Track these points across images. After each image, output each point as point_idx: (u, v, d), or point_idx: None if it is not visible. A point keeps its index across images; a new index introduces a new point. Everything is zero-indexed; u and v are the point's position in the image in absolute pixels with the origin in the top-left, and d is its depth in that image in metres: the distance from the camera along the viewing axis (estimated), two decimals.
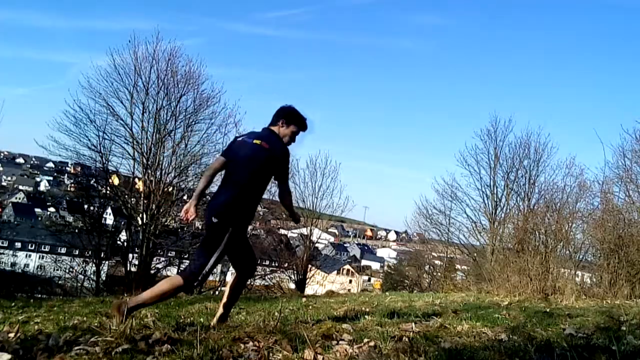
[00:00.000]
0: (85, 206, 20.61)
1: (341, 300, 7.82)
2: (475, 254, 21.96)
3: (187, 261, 20.98)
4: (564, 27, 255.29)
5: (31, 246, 53.05)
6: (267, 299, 9.00)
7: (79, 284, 18.63)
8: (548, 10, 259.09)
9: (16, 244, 49.34)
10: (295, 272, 25.50)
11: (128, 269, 18.15)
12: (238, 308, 5.89)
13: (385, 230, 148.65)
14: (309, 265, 26.56)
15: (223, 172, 3.70)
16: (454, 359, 2.40)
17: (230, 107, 19.28)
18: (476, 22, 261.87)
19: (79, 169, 26.13)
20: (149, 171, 18.00)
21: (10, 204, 78.16)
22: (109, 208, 22.99)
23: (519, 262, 9.86)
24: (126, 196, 19.04)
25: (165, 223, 19.38)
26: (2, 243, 41.77)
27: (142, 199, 18.03)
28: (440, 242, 25.74)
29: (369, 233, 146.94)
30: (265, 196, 21.78)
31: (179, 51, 18.26)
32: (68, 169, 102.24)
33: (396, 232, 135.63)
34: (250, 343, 2.67)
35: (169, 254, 21.13)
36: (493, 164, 21.21)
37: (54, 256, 23.41)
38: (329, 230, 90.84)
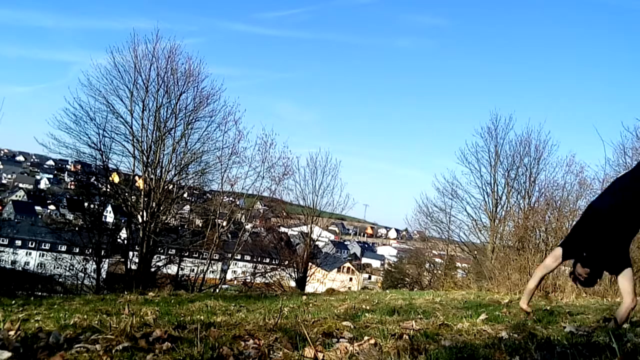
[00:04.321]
0: (86, 204, 20.61)
1: (342, 298, 7.84)
2: (475, 252, 21.99)
3: (188, 259, 21.02)
4: (563, 24, 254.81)
5: (31, 244, 53.07)
6: (268, 296, 9.01)
7: (80, 282, 18.63)
8: (547, 7, 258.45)
9: (16, 241, 49.30)
10: (295, 270, 25.53)
11: (128, 266, 18.17)
12: (238, 306, 5.90)
13: (386, 228, 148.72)
14: (310, 263, 26.58)
15: None
16: (455, 356, 2.40)
17: (230, 105, 19.34)
18: (474, 22, 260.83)
19: (79, 166, 26.18)
20: (149, 169, 18.01)
21: (11, 202, 78.26)
22: (109, 206, 23.01)
23: (519, 260, 9.88)
24: (126, 194, 19.05)
25: (166, 221, 19.39)
26: (3, 241, 41.76)
27: (142, 196, 18.03)
28: (441, 240, 25.78)
29: (369, 231, 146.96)
30: (265, 194, 21.28)
31: (179, 49, 18.28)
32: (68, 166, 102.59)
33: (397, 230, 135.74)
34: (251, 341, 2.67)
35: (169, 252, 21.13)
36: (493, 161, 21.24)
37: (55, 254, 23.38)
38: (330, 228, 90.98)
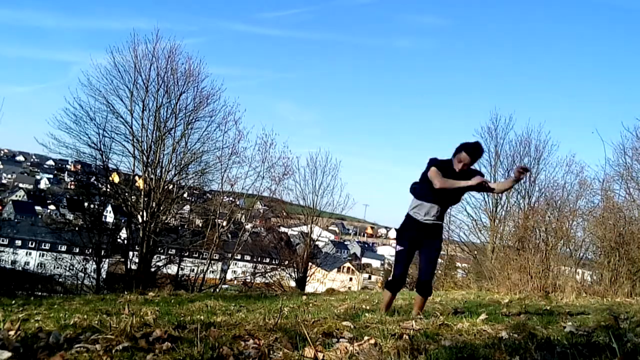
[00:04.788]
0: (86, 204, 20.63)
1: (342, 298, 7.84)
2: (475, 252, 21.96)
3: (188, 259, 21.03)
4: (564, 23, 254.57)
5: (31, 244, 53.08)
6: (268, 296, 9.02)
7: (80, 282, 18.65)
8: (548, 5, 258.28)
9: (16, 241, 49.31)
10: (295, 270, 25.52)
11: (128, 266, 18.18)
12: (238, 306, 5.90)
13: (386, 228, 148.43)
14: (310, 263, 26.57)
15: None
16: (455, 356, 2.40)
17: (230, 105, 19.36)
18: (474, 21, 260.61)
19: (79, 166, 26.15)
20: (149, 169, 18.02)
21: (11, 202, 78.30)
22: (109, 206, 23.03)
23: (519, 260, 9.88)
24: (126, 194, 19.05)
25: (166, 221, 19.40)
26: (3, 241, 41.79)
27: (142, 196, 18.04)
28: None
29: (369, 231, 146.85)
30: (265, 194, 21.43)
31: (179, 49, 18.31)
32: (68, 166, 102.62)
33: (397, 230, 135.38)
34: (251, 341, 2.67)
35: (170, 252, 21.12)
36: (494, 162, 21.22)
37: (55, 254, 23.41)
38: (330, 228, 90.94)
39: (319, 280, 30.49)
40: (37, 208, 77.05)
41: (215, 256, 21.88)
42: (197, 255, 21.77)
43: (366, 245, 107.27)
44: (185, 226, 22.71)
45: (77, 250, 20.64)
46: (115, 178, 20.64)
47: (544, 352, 2.44)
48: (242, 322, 3.62)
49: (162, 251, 20.07)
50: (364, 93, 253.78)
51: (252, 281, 25.17)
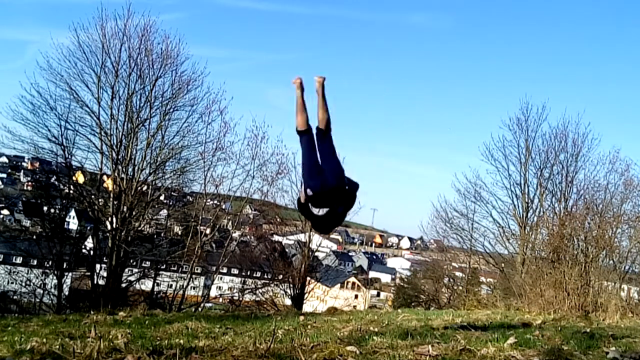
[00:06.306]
0: (45, 208, 20.62)
1: (345, 319, 7.84)
2: (502, 265, 22.02)
3: (165, 273, 21.07)
4: None
5: None
6: (259, 317, 9.03)
7: (38, 300, 18.65)
8: None
9: None
10: (291, 285, 25.53)
11: (95, 281, 18.20)
12: (224, 328, 5.91)
13: (397, 236, 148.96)
14: (308, 278, 26.58)
15: None
16: None
17: (214, 92, 19.35)
18: None
19: (37, 164, 26.21)
20: (120, 167, 18.02)
21: None
22: (73, 210, 23.04)
23: (554, 273, 9.91)
24: (93, 196, 19.06)
25: (139, 228, 19.40)
26: None
27: (111, 199, 18.05)
28: (462, 251, 25.80)
29: (377, 240, 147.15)
30: (255, 196, 21.40)
31: (154, 26, 18.27)
32: (24, 164, 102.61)
33: (410, 239, 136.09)
34: None
35: (143, 265, 21.11)
36: (524, 158, 21.24)
37: (8, 267, 23.39)
38: (331, 236, 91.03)
39: (319, 298, 30.56)
40: None
41: (197, 269, 21.90)
42: (175, 269, 21.76)
43: (374, 257, 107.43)
44: (162, 234, 22.73)
45: (35, 262, 20.63)
46: (80, 178, 20.65)
47: None
48: (228, 347, 3.62)
49: (134, 264, 20.06)
50: (374, 78, 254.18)
51: (241, 299, 25.19)
